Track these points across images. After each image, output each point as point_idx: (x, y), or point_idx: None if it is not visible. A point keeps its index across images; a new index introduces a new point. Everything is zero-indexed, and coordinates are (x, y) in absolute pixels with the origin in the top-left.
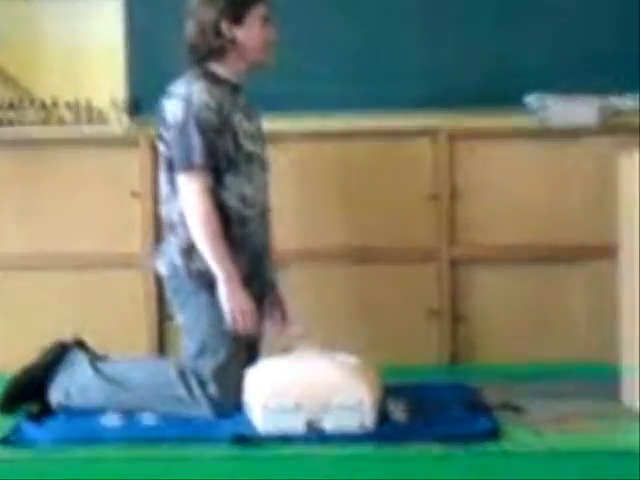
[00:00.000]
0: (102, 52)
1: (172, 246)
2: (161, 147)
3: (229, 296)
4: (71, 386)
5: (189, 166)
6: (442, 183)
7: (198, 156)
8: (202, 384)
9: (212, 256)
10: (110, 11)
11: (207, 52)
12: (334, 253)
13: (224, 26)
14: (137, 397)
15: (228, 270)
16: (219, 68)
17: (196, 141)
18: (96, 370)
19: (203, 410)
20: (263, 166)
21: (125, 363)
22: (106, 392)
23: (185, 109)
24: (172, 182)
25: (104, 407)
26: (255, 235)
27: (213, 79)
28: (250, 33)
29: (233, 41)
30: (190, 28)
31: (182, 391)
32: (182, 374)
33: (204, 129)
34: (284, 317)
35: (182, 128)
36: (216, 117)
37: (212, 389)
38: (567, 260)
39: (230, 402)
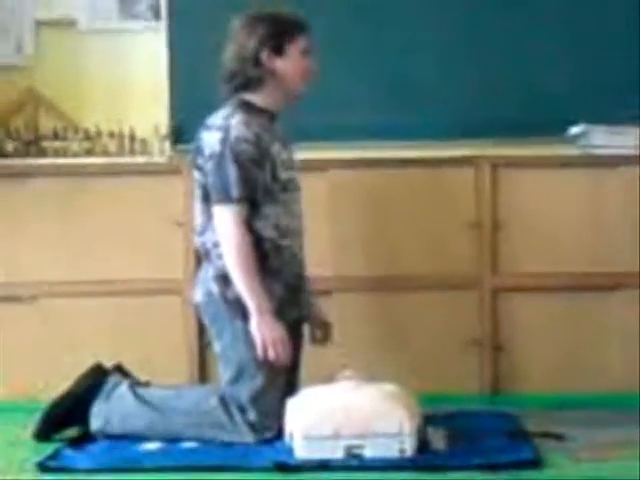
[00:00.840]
0: (145, 83)
1: (208, 274)
2: (197, 176)
3: (260, 326)
4: (111, 412)
5: (225, 198)
6: (484, 211)
7: (234, 188)
8: (242, 410)
9: (244, 287)
10: (154, 42)
11: (245, 81)
12: (374, 281)
13: (264, 56)
14: (178, 423)
15: (260, 301)
16: (256, 98)
17: (233, 173)
18: (136, 396)
19: (244, 436)
20: (297, 193)
21: (165, 389)
22: (147, 419)
23: (222, 141)
24: (207, 212)
25: (145, 433)
26: (291, 263)
27: (251, 109)
28: (290, 64)
29: (272, 72)
30: (229, 55)
31: (223, 417)
32: (222, 400)
33: (241, 161)
34: (327, 336)
35: (219, 160)
36: (254, 149)
37: (252, 415)
38: (606, 288)
39: (270, 428)
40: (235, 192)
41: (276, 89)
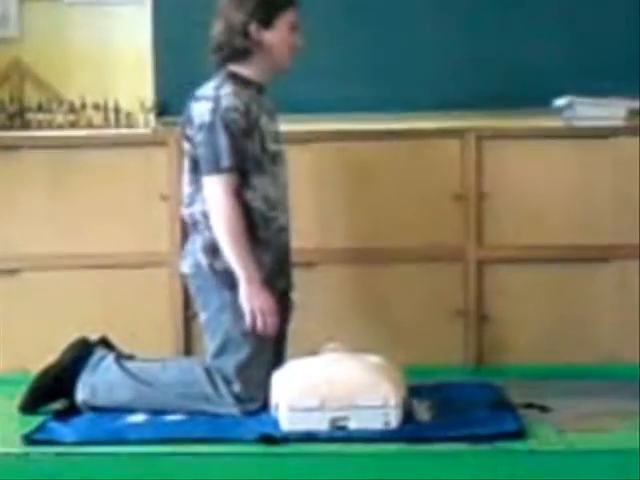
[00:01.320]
0: (130, 55)
1: (196, 245)
2: (186, 146)
3: (250, 296)
4: (97, 384)
5: (216, 168)
6: (469, 183)
7: (225, 157)
8: (227, 382)
9: (234, 256)
10: (138, 14)
11: (232, 52)
12: (359, 253)
13: (252, 28)
14: (164, 395)
15: (249, 271)
16: (244, 70)
17: (223, 143)
18: (122, 368)
19: (229, 408)
20: (284, 167)
21: (150, 362)
22: (133, 390)
23: (213, 111)
24: (196, 182)
25: (131, 405)
26: (278, 235)
27: (239, 81)
28: (277, 37)
29: (260, 44)
30: (218, 28)
31: (208, 388)
32: (208, 372)
33: (231, 131)
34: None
35: (209, 130)
36: (244, 119)
37: (237, 387)
38: (594, 260)
39: (256, 399)
40: (225, 161)
41: (263, 61)
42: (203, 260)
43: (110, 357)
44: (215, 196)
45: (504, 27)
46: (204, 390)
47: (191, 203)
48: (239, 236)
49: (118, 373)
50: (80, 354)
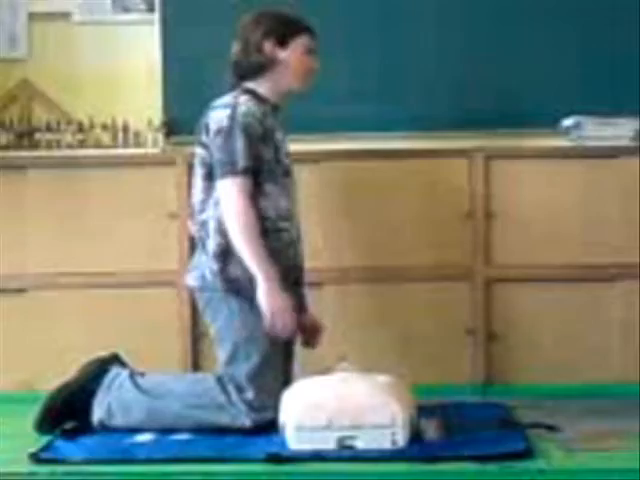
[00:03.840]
0: (138, 75)
1: (204, 256)
2: (200, 152)
3: (268, 295)
4: (112, 403)
5: (232, 170)
6: (477, 203)
7: (241, 159)
8: (239, 389)
9: (251, 257)
10: (147, 34)
11: (247, 68)
12: (367, 272)
13: (267, 46)
14: (177, 407)
15: (266, 269)
16: (259, 87)
17: (240, 145)
18: (136, 385)
19: (242, 417)
20: (294, 182)
21: (163, 375)
22: (146, 406)
23: (230, 117)
24: (209, 190)
25: (144, 424)
26: (288, 248)
27: (255, 97)
28: (291, 57)
29: (273, 61)
30: (236, 48)
31: (221, 398)
32: (220, 381)
33: (248, 134)
34: (316, 339)
35: (227, 134)
36: (260, 126)
37: (250, 394)
38: (602, 280)
39: (268, 408)
40: (241, 163)
41: (277, 79)
42: (214, 266)
43: (124, 374)
44: (230, 198)
45: (512, 47)
46: (217, 400)
47: (203, 210)
48: (255, 235)
49: (132, 390)
50: (95, 373)
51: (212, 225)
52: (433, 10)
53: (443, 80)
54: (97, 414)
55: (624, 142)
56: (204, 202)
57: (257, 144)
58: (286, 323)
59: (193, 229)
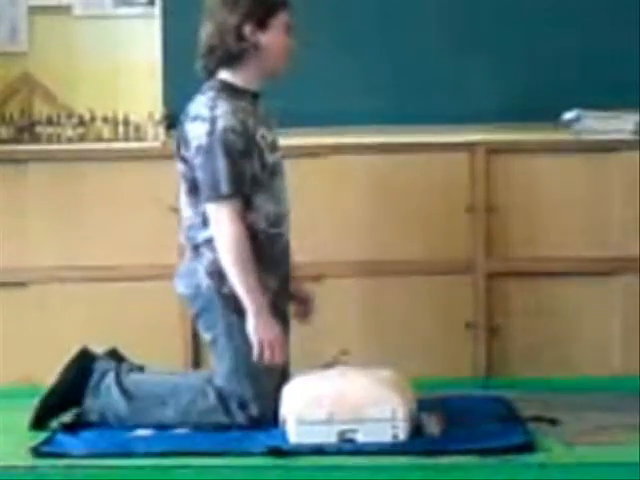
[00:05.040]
0: (139, 68)
1: (197, 268)
2: (182, 168)
3: (258, 329)
4: (104, 410)
5: (217, 195)
6: (479, 197)
7: (226, 184)
8: (243, 406)
9: (242, 288)
10: (147, 27)
11: (226, 56)
12: (368, 265)
13: (247, 30)
14: (173, 421)
15: (258, 302)
16: (236, 78)
17: (223, 168)
18: (125, 393)
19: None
20: (282, 176)
21: (157, 384)
22: (139, 417)
23: (209, 133)
24: (195, 205)
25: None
26: (283, 252)
27: (233, 92)
28: (273, 39)
29: (255, 46)
30: (208, 30)
31: (223, 418)
32: (221, 397)
33: (231, 154)
34: (308, 310)
35: (207, 153)
36: (241, 140)
37: (254, 410)
38: (603, 273)
39: (270, 418)
40: (226, 188)
41: (257, 66)
42: (210, 284)
43: (110, 375)
44: (221, 225)
45: (513, 41)
46: (218, 419)
47: (191, 227)
48: (247, 265)
49: (122, 401)
50: (82, 367)
51: (203, 243)
52: (435, 3)
53: (444, 73)
54: (92, 418)
55: (625, 136)
56: (192, 218)
57: (240, 162)
58: (275, 354)
59: (181, 237)
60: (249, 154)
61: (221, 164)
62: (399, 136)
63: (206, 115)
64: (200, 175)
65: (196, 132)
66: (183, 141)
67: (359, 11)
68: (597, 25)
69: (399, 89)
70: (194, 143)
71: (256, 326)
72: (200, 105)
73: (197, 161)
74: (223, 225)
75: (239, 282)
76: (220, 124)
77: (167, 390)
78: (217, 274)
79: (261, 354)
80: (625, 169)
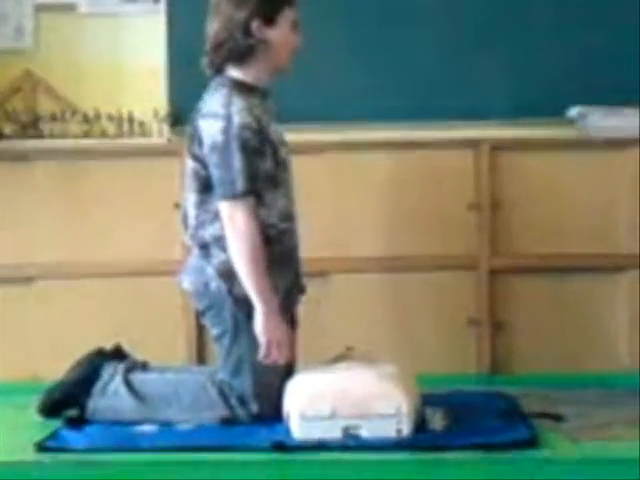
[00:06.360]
0: (144, 65)
1: (205, 267)
2: (193, 165)
3: (266, 329)
4: (110, 413)
5: (232, 191)
6: (483, 193)
7: (241, 181)
8: (243, 402)
9: (253, 287)
10: (152, 25)
11: (234, 52)
12: (373, 262)
13: (254, 26)
14: (176, 417)
15: (268, 302)
16: (245, 75)
17: (238, 164)
18: (132, 391)
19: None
20: (289, 170)
21: (160, 384)
22: (146, 417)
23: (225, 130)
24: (204, 204)
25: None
26: (293, 248)
27: (244, 88)
28: (280, 36)
29: (262, 42)
30: (215, 27)
31: (225, 412)
32: (222, 393)
33: (246, 151)
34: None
35: (223, 150)
36: (256, 138)
37: (254, 407)
38: (608, 269)
39: (271, 415)
40: (241, 185)
41: (265, 62)
42: (218, 284)
43: (117, 378)
44: (235, 223)
45: (517, 37)
46: (220, 413)
47: (199, 226)
48: (259, 265)
49: (127, 399)
50: (92, 367)
51: (213, 242)
52: (441, 0)
53: (448, 70)
54: (96, 417)
55: (630, 132)
56: (199, 216)
57: (255, 159)
58: (282, 354)
59: (186, 238)
60: (262, 152)
61: (237, 162)
62: (404, 133)
63: (221, 112)
64: (215, 173)
65: (210, 129)
66: (195, 139)
67: (365, 7)
68: (602, 22)
69: (404, 86)
70: (208, 141)
71: (265, 326)
72: (214, 102)
73: (211, 159)
74: (237, 223)
75: (250, 281)
76: (236, 121)
77: (171, 388)
78: (227, 275)
79: (267, 354)
80: (631, 166)
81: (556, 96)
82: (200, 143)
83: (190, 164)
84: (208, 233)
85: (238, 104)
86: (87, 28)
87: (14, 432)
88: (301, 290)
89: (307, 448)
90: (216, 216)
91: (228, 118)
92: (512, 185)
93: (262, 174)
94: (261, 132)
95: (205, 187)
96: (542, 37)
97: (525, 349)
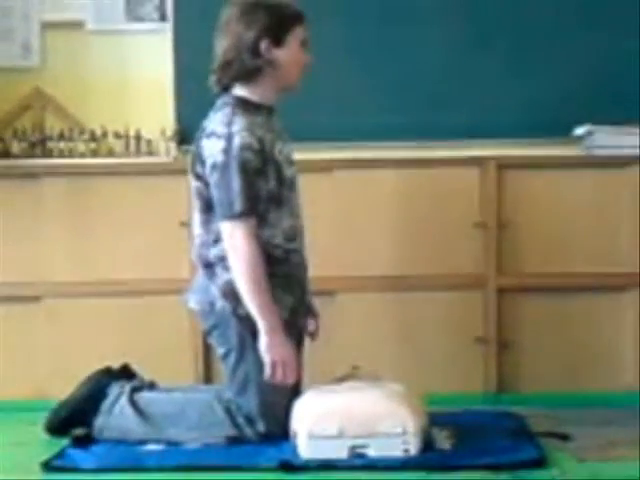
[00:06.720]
0: (151, 83)
1: (210, 286)
2: (196, 185)
3: (270, 348)
4: (114, 432)
5: (231, 212)
6: (489, 212)
7: (240, 202)
8: (250, 421)
9: (256, 306)
10: (159, 43)
11: (241, 71)
12: (380, 280)
13: (263, 46)
14: (182, 438)
15: (271, 321)
16: (251, 92)
17: (238, 186)
18: (138, 412)
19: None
20: (297, 189)
21: (166, 403)
22: (153, 437)
23: (225, 151)
24: (207, 223)
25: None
26: (299, 267)
27: (249, 108)
28: (288, 55)
29: (270, 62)
30: (224, 45)
31: (231, 431)
32: (229, 412)
33: (246, 172)
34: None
35: (223, 171)
36: (258, 158)
37: (261, 426)
38: (613, 288)
39: (277, 436)
40: (240, 207)
41: (272, 81)
42: (223, 304)
43: (123, 399)
44: (235, 243)
45: (523, 56)
46: (227, 432)
47: (203, 245)
48: (261, 284)
49: (133, 418)
50: (99, 386)
51: (217, 262)
52: (442, 18)
53: (455, 88)
54: (103, 436)
55: (636, 151)
56: (203, 236)
57: (256, 180)
58: (287, 374)
59: (193, 255)
60: (265, 173)
61: (236, 182)
62: (411, 151)
63: (222, 132)
64: (215, 193)
65: (212, 149)
66: (198, 158)
67: (372, 27)
68: (609, 40)
69: (410, 104)
70: (209, 160)
71: (269, 345)
72: (216, 121)
73: (212, 178)
74: (237, 243)
75: (252, 300)
76: (236, 141)
77: (178, 408)
78: (232, 295)
79: (273, 374)
80: (636, 184)
81: (563, 115)
82: (202, 162)
83: (194, 183)
84: (212, 253)
85: (240, 124)
86: (94, 46)
87: (20, 450)
88: (312, 312)
89: (314, 467)
90: (219, 236)
91: (229, 138)
92: (518, 203)
93: (265, 194)
94: (263, 152)
95: (208, 207)
96: (549, 56)
97: (531, 368)
